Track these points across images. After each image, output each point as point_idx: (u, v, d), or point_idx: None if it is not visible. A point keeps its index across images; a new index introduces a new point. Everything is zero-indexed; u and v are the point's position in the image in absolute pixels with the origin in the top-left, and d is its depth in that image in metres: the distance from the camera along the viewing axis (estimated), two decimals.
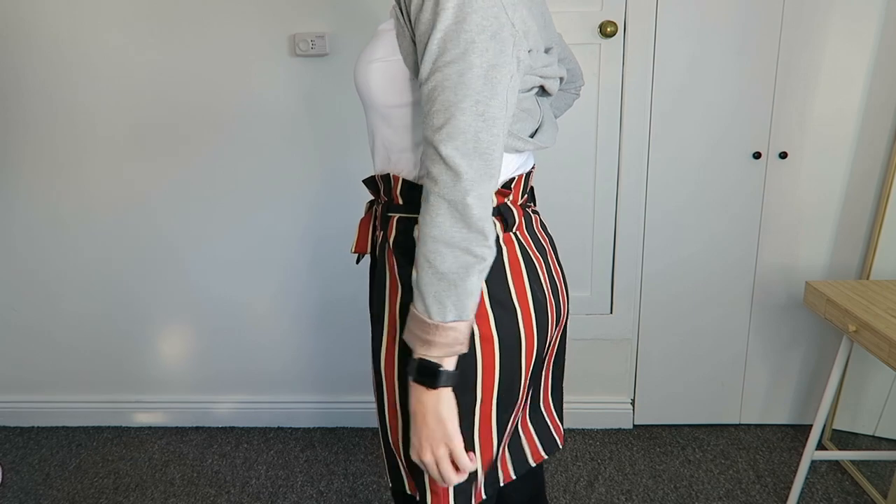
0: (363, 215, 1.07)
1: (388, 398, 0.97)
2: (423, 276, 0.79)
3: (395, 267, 0.93)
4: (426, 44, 0.78)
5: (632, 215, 2.01)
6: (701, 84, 1.89)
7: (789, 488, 1.88)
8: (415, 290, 0.80)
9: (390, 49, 0.86)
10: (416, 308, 0.80)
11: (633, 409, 2.20)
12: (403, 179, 0.92)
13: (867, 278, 1.93)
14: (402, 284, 0.92)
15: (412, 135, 0.90)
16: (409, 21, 0.82)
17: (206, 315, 2.16)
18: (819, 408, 1.68)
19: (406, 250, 0.92)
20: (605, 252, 2.06)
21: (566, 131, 1.92)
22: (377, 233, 1.00)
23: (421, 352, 0.80)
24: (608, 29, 1.84)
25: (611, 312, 2.11)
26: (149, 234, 2.09)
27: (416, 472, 0.96)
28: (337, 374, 2.21)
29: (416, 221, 0.87)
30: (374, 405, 1.00)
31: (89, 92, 1.97)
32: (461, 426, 0.87)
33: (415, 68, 0.85)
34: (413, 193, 0.91)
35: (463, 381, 0.89)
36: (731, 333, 2.11)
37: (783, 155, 1.94)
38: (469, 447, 0.93)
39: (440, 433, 0.82)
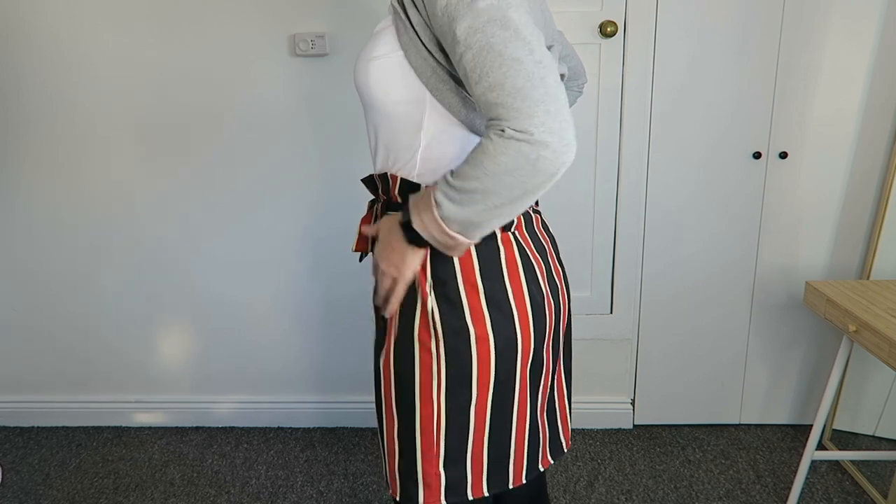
0: (365, 214, 1.08)
1: (384, 394, 0.98)
2: (467, 182, 0.79)
3: None
4: (452, 11, 0.78)
5: (632, 215, 2.01)
6: (701, 84, 1.89)
7: (789, 488, 1.88)
8: (443, 183, 0.82)
9: (389, 46, 0.87)
10: (436, 196, 0.82)
11: (633, 409, 2.20)
12: (402, 179, 0.93)
13: (867, 278, 1.93)
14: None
15: (411, 133, 0.90)
16: (423, 12, 0.83)
17: (206, 315, 2.16)
18: (819, 408, 1.68)
19: None
20: (605, 252, 2.06)
21: None
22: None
23: (415, 222, 0.85)
24: (608, 29, 1.84)
25: (611, 312, 2.11)
26: (149, 234, 2.09)
27: (405, 474, 0.96)
28: (337, 375, 2.21)
29: None
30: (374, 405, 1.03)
31: (89, 92, 1.97)
32: (456, 422, 0.90)
33: (419, 62, 0.86)
34: (404, 191, 0.94)
35: (459, 379, 0.90)
36: (731, 333, 2.11)
37: (783, 155, 1.94)
38: (462, 444, 0.94)
39: (398, 255, 0.90)
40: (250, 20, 1.89)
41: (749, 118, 1.92)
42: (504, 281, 0.92)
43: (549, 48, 0.94)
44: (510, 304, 0.92)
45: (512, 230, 0.95)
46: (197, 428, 2.25)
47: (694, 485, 1.93)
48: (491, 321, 0.91)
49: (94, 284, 2.14)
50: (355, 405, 2.23)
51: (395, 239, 0.89)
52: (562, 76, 0.99)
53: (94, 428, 2.26)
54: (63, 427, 2.27)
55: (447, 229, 0.83)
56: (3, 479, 2.00)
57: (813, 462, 1.93)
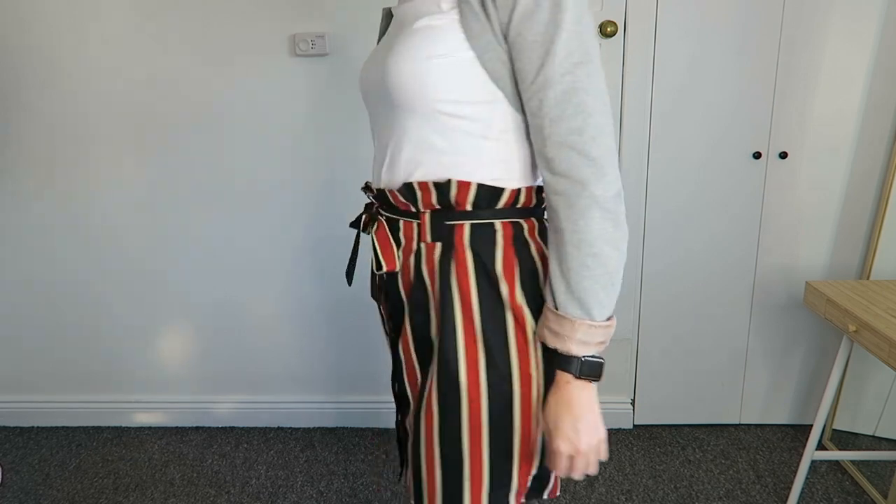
0: (372, 228, 0.98)
1: (471, 422, 0.89)
2: (583, 280, 0.80)
3: (469, 280, 0.88)
4: (548, 45, 0.77)
5: (632, 215, 2.01)
6: (701, 84, 1.89)
7: (789, 488, 1.88)
8: (564, 296, 0.81)
9: (454, 45, 0.81)
10: (571, 313, 0.81)
11: (633, 409, 2.20)
12: (459, 182, 0.87)
13: (867, 278, 1.93)
14: (479, 299, 0.88)
15: (476, 136, 0.85)
16: (504, 19, 0.79)
17: (206, 315, 2.16)
18: (819, 408, 1.68)
19: (482, 261, 0.88)
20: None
21: None
22: (409, 245, 0.92)
23: (580, 352, 0.82)
24: (608, 29, 1.84)
25: None
26: (148, 234, 2.09)
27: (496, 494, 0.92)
28: (337, 375, 2.21)
29: (489, 227, 0.87)
30: (415, 434, 0.95)
31: (88, 93, 1.97)
32: (521, 423, 0.90)
33: (496, 66, 0.81)
34: (480, 197, 0.86)
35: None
36: (731, 333, 2.11)
37: (783, 155, 1.94)
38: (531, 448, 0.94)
39: (597, 422, 0.85)
40: (250, 20, 1.89)
41: (749, 118, 1.92)
42: (539, 280, 0.94)
43: None
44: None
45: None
46: (197, 428, 2.25)
47: (694, 485, 1.93)
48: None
49: (94, 284, 2.14)
50: (355, 405, 2.23)
51: (578, 401, 0.83)
52: None
53: (94, 428, 2.26)
54: (63, 427, 2.27)
55: (602, 321, 0.82)
56: (3, 479, 2.00)
57: (813, 462, 1.93)
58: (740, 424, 2.21)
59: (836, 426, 2.08)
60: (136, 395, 2.26)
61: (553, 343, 0.84)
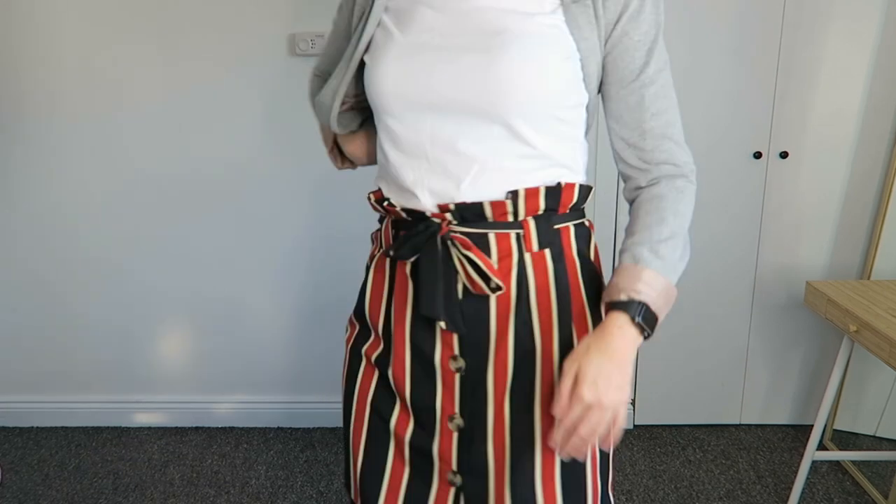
0: (437, 249, 0.86)
1: (544, 466, 0.87)
2: (679, 251, 0.85)
3: (580, 284, 0.89)
4: (651, 44, 0.83)
5: None
6: (701, 84, 1.89)
7: (790, 488, 1.88)
8: (649, 255, 0.82)
9: (568, 49, 0.81)
10: (655, 266, 0.82)
11: (634, 409, 2.20)
12: (574, 184, 0.88)
13: (868, 278, 1.93)
14: (587, 300, 0.89)
15: (570, 140, 0.87)
16: (612, 18, 0.82)
17: (206, 315, 2.16)
18: (820, 408, 1.67)
19: (584, 261, 0.90)
20: (605, 252, 2.05)
21: None
22: (508, 261, 0.86)
23: (647, 298, 0.80)
24: None
25: None
26: (148, 234, 2.09)
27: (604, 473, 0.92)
28: (337, 374, 2.21)
29: (584, 226, 0.91)
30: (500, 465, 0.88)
31: (88, 90, 1.96)
32: None
33: (592, 70, 0.84)
34: (581, 197, 0.89)
35: None
36: (732, 333, 2.11)
37: (783, 155, 1.94)
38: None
39: (628, 381, 0.79)
40: (250, 20, 1.89)
41: (749, 118, 1.92)
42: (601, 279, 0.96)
43: None
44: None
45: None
46: (197, 428, 2.25)
47: (694, 485, 1.92)
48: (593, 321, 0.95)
49: (93, 284, 2.14)
50: None
51: (622, 352, 0.78)
52: None
53: (93, 428, 2.26)
54: (63, 427, 2.27)
55: (673, 288, 0.83)
56: (2, 479, 1.99)
57: (813, 462, 1.92)
58: (741, 424, 2.21)
59: (837, 426, 2.08)
60: (136, 395, 2.25)
61: (621, 295, 0.80)
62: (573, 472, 0.89)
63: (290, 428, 2.24)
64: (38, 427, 2.27)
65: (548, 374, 0.87)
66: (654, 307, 0.80)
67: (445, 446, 0.89)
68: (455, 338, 0.88)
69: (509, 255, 0.86)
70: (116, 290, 2.15)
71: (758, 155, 1.94)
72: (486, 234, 0.85)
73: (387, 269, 0.94)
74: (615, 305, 0.80)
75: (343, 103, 0.92)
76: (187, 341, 2.19)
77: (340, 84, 0.90)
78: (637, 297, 0.79)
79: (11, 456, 2.12)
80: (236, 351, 2.19)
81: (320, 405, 2.23)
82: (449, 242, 0.85)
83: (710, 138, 1.93)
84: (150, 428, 2.26)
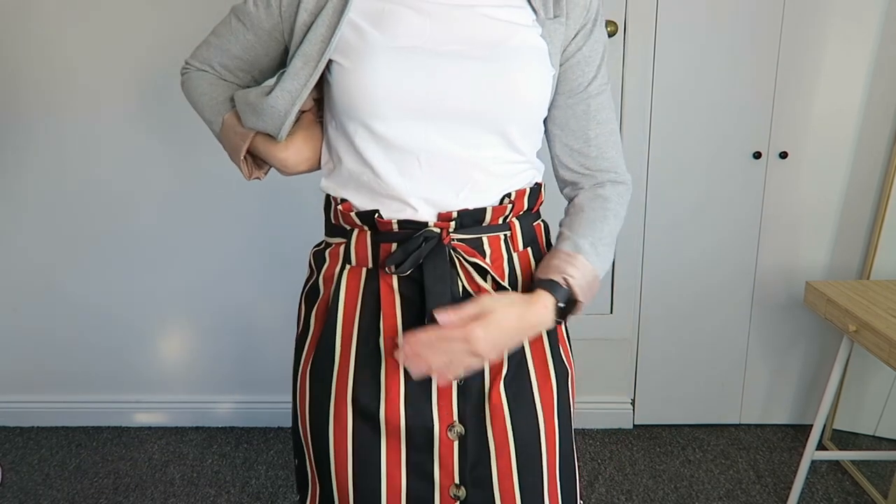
0: (443, 256, 0.85)
1: (548, 454, 0.91)
2: (607, 245, 0.88)
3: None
4: (599, 60, 0.89)
5: (632, 215, 2.00)
6: (701, 84, 1.89)
7: (790, 488, 1.88)
8: (599, 260, 0.86)
9: (548, 62, 0.86)
10: (598, 271, 0.87)
11: (633, 409, 2.20)
12: (541, 183, 0.95)
13: (867, 278, 1.93)
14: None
15: (539, 143, 0.92)
16: (570, 34, 0.86)
17: (206, 315, 2.16)
18: (819, 408, 1.68)
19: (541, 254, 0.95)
20: None
21: None
22: (500, 263, 0.89)
23: (578, 291, 0.84)
24: (608, 29, 1.84)
25: (611, 312, 2.11)
26: (148, 234, 2.09)
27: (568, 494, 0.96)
28: None
29: (544, 222, 0.97)
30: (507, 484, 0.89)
31: (88, 87, 1.96)
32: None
33: (552, 82, 0.88)
34: (542, 195, 0.95)
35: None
36: (732, 333, 2.11)
37: (783, 155, 1.94)
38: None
39: (507, 348, 0.84)
40: None
41: (749, 118, 1.92)
42: None
43: None
44: None
45: None
46: (197, 428, 2.25)
47: (694, 485, 1.93)
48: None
49: (94, 284, 2.14)
50: None
51: (531, 328, 0.83)
52: None
53: (94, 428, 2.26)
54: (63, 427, 2.27)
55: (598, 282, 0.87)
56: (3, 479, 2.00)
57: (813, 462, 1.92)
58: (740, 424, 2.21)
59: (837, 426, 2.08)
60: (136, 395, 2.26)
61: (555, 275, 0.84)
62: (567, 472, 0.94)
63: (290, 428, 2.24)
64: (38, 427, 2.28)
65: (542, 372, 0.91)
66: (579, 293, 0.84)
67: (446, 457, 0.87)
68: None
69: (501, 256, 0.89)
70: (117, 290, 2.15)
71: (757, 155, 1.94)
72: (480, 239, 0.87)
73: (362, 285, 0.89)
74: (547, 284, 0.83)
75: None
76: (187, 341, 2.20)
77: (304, 87, 0.83)
78: (569, 281, 0.83)
79: (12, 456, 2.12)
80: (236, 351, 2.19)
81: None
82: (452, 251, 0.85)
83: (710, 138, 1.93)
84: (150, 428, 2.26)
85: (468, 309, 0.78)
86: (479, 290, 0.86)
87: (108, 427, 2.26)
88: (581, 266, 0.84)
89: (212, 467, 2.05)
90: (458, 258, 0.85)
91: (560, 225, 0.92)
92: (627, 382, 2.18)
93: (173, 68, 1.93)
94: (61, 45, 1.93)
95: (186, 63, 1.01)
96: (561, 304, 0.83)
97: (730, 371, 2.15)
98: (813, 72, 1.87)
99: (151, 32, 1.91)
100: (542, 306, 0.82)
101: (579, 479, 0.99)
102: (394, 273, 0.85)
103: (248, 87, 0.98)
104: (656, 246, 2.04)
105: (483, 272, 0.86)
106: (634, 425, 2.21)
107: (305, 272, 1.05)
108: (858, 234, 1.99)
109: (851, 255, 2.01)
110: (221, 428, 2.25)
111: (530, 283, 0.88)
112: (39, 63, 1.95)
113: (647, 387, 2.18)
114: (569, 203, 0.94)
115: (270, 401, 2.24)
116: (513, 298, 0.81)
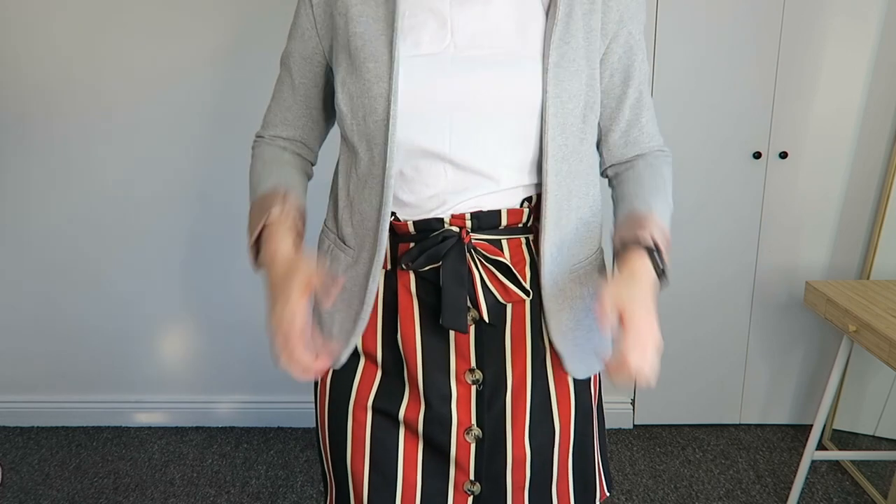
0: (463, 258, 0.84)
1: (561, 450, 0.91)
2: (668, 207, 0.89)
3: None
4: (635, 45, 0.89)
5: None
6: (701, 84, 1.89)
7: (789, 488, 1.88)
8: (664, 225, 0.86)
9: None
10: (667, 236, 0.86)
11: (633, 409, 2.20)
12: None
13: (867, 278, 1.93)
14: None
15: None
16: (611, 23, 0.85)
17: (206, 315, 2.16)
18: (819, 408, 1.68)
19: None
20: (605, 251, 2.05)
21: None
22: (522, 266, 0.87)
23: (666, 259, 0.84)
24: None
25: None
26: (148, 234, 2.09)
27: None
28: None
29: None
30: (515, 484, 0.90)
31: (88, 88, 1.96)
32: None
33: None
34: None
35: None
36: (732, 333, 2.11)
37: (783, 155, 1.94)
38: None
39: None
40: (250, 19, 1.89)
41: (749, 118, 1.92)
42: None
43: None
44: None
45: None
46: (197, 428, 2.25)
47: (694, 485, 1.93)
48: None
49: (94, 284, 2.14)
50: None
51: (650, 285, 0.85)
52: None
53: (94, 428, 2.26)
54: (63, 427, 2.27)
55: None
56: (3, 479, 2.00)
57: (813, 462, 1.93)
58: (740, 424, 2.21)
59: (836, 426, 2.08)
60: (136, 395, 2.26)
61: (643, 233, 0.83)
62: (583, 473, 0.94)
63: (290, 428, 2.24)
64: (38, 427, 2.28)
65: (560, 376, 0.90)
66: (664, 250, 0.84)
67: (463, 458, 0.88)
68: (472, 350, 0.86)
69: (523, 259, 0.87)
70: (117, 290, 2.15)
71: (757, 155, 1.94)
72: (499, 241, 0.86)
73: (381, 287, 0.88)
74: (636, 246, 0.82)
75: None
76: (187, 341, 2.20)
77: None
78: (657, 241, 0.83)
79: (12, 456, 2.12)
80: (236, 351, 2.19)
81: None
82: (472, 251, 0.84)
83: (710, 138, 1.93)
84: (150, 428, 2.26)
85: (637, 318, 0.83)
86: (507, 292, 0.85)
87: (108, 427, 2.26)
88: (660, 223, 0.85)
89: (212, 467, 2.05)
90: (478, 258, 0.84)
91: (616, 198, 0.95)
92: (627, 382, 2.18)
93: (177, 68, 1.94)
94: (68, 39, 1.93)
95: (255, 136, 1.06)
96: (661, 266, 0.84)
97: (730, 371, 2.15)
98: (813, 72, 1.87)
99: (160, 28, 1.91)
100: (650, 277, 0.83)
101: (603, 475, 0.98)
102: (409, 268, 0.85)
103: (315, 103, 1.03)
104: None
105: (505, 269, 0.85)
106: (634, 425, 2.21)
107: None
108: (858, 234, 1.99)
109: (851, 255, 2.01)
110: (221, 428, 2.25)
111: (618, 247, 0.88)
112: (44, 59, 1.95)
113: (647, 387, 2.18)
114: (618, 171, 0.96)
115: (271, 401, 2.24)
116: (629, 286, 0.83)
